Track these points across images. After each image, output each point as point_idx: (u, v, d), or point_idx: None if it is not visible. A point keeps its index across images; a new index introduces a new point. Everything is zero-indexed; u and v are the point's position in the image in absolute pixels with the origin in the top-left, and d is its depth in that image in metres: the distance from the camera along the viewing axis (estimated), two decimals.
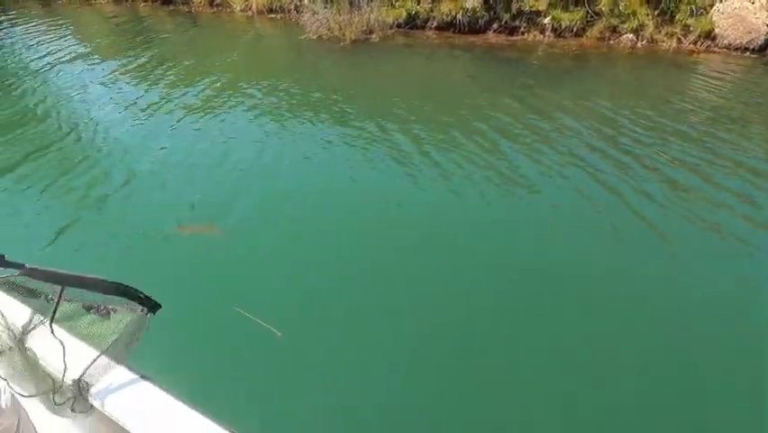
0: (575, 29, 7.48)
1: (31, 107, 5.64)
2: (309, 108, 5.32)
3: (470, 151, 4.19)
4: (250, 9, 10.15)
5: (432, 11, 8.50)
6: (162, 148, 4.47)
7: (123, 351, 1.27)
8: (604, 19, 7.31)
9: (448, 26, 8.42)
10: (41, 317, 1.28)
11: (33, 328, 1.27)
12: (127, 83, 6.39)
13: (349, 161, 4.19)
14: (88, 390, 1.24)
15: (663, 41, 7.02)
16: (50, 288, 1.20)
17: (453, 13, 8.24)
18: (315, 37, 8.10)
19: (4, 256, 1.08)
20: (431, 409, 2.05)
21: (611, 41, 7.26)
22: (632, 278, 2.71)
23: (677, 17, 7.00)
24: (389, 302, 2.58)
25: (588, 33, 7.46)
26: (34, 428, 1.12)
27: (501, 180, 3.73)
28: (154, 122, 5.12)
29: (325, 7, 8.43)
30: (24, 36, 9.23)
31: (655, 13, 7.11)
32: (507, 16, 7.96)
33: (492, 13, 8.08)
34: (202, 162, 4.19)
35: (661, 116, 4.71)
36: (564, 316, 2.48)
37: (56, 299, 1.20)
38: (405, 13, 8.53)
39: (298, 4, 9.63)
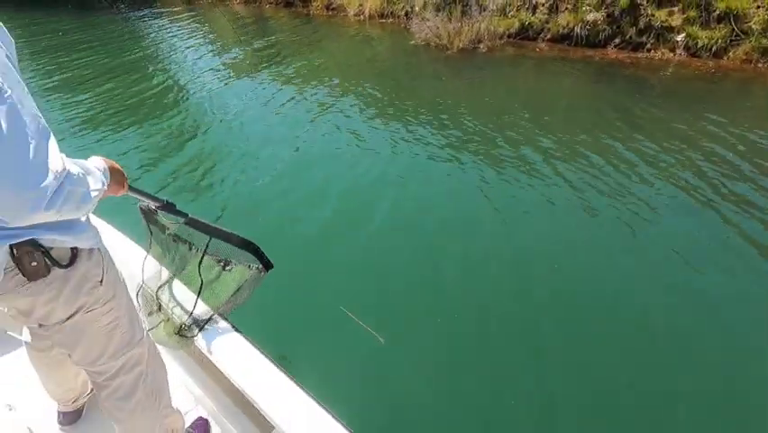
0: (714, 48, 6.65)
1: (158, 86, 6.38)
2: (411, 114, 5.35)
3: (589, 179, 3.91)
4: (362, 13, 10.53)
5: (547, 22, 8.12)
6: (263, 137, 4.78)
7: (238, 301, 1.52)
8: (753, 38, 6.40)
9: (563, 39, 7.98)
10: (184, 263, 1.50)
11: (177, 273, 1.49)
12: (239, 76, 6.95)
13: (453, 174, 4.13)
14: (202, 327, 1.45)
15: None
16: (199, 237, 1.45)
17: (571, 26, 7.78)
18: (422, 43, 8.15)
19: (174, 204, 1.39)
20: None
21: (760, 65, 6.33)
22: None
23: None
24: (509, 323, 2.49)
25: (730, 54, 6.59)
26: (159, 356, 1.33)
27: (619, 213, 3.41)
28: (254, 114, 5.49)
29: (437, 15, 8.45)
30: (164, 28, 10.51)
31: None
32: (632, 31, 7.33)
33: (615, 27, 7.50)
34: (293, 172, 4.41)
35: None
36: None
37: (203, 249, 1.45)
38: (518, 24, 8.25)
39: (409, 10, 9.79)
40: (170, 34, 10.05)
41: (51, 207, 0.76)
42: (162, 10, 12.60)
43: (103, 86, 6.68)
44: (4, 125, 0.72)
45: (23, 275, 0.90)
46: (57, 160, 0.77)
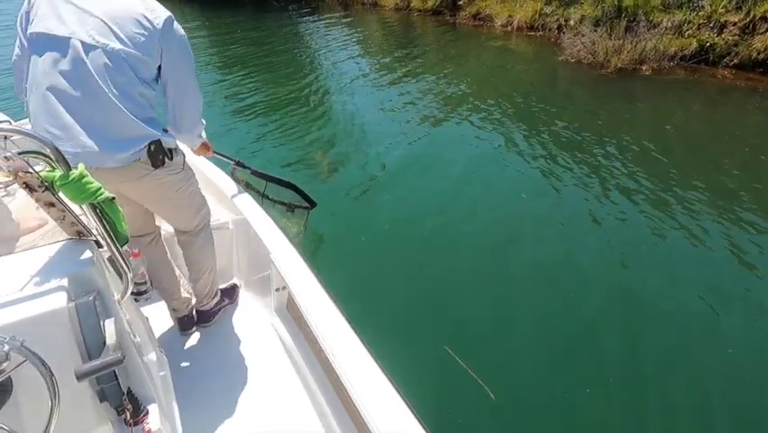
0: None
1: (307, 79, 6.85)
2: (552, 138, 4.87)
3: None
4: (510, 25, 10.09)
5: (737, 45, 6.78)
6: (389, 144, 4.75)
7: (299, 235, 2.75)
8: None
9: (755, 66, 6.59)
10: (255, 203, 2.10)
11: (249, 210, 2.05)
12: (379, 79, 7.11)
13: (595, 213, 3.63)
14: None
15: None
16: (260, 183, 2.60)
17: None
18: (573, 60, 7.46)
19: (242, 161, 2.47)
20: None
21: None
22: None
23: None
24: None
25: None
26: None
27: None
28: (389, 119, 5.51)
29: (595, 30, 7.66)
30: (322, 29, 11.38)
31: None
32: None
33: None
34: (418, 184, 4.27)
35: None
36: None
37: (262, 191, 2.63)
38: (695, 45, 7.05)
39: (563, 23, 9.07)
40: (327, 35, 10.87)
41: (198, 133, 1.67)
42: (324, 14, 13.72)
43: (262, 75, 7.45)
44: (193, 95, 1.50)
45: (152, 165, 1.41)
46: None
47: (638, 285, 2.77)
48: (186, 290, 1.89)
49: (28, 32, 1.27)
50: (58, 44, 1.23)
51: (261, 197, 2.62)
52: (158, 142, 1.37)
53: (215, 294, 1.93)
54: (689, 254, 3.04)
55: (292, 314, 1.81)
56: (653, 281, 2.80)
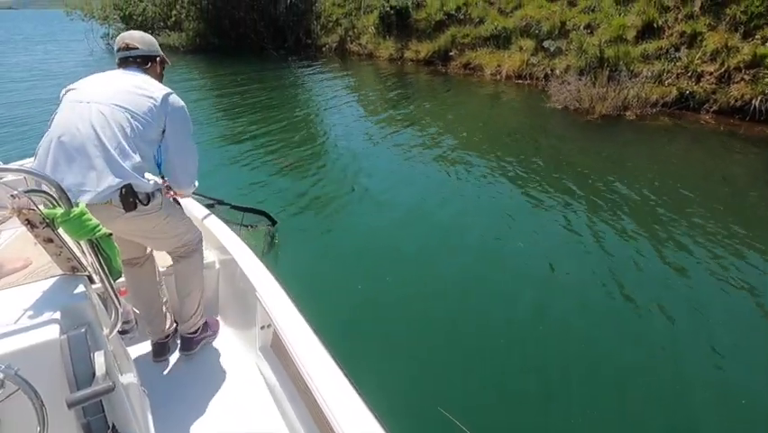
0: None
1: (302, 123, 7.08)
2: (538, 182, 5.01)
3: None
4: (499, 73, 10.59)
5: (714, 92, 7.13)
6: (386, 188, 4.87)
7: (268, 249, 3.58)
8: None
9: (734, 112, 6.90)
10: (240, 241, 2.18)
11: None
12: (373, 122, 7.36)
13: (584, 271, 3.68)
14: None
15: None
16: (237, 215, 3.62)
17: (747, 98, 6.71)
18: (559, 107, 7.79)
19: (222, 199, 3.61)
20: None
21: None
22: None
23: None
24: None
25: None
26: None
27: None
28: (382, 161, 5.67)
29: (579, 79, 8.06)
30: (319, 78, 11.87)
31: None
32: None
33: None
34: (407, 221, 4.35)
35: None
36: None
37: (240, 220, 3.60)
38: (675, 92, 7.41)
39: (549, 72, 9.54)
40: (323, 84, 11.32)
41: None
42: (321, 65, 14.35)
43: (259, 121, 7.70)
44: (191, 154, 1.81)
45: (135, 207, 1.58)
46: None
47: (626, 331, 2.78)
48: (169, 314, 2.01)
49: (61, 99, 1.64)
50: (77, 105, 1.56)
51: (240, 227, 3.50)
52: (128, 186, 1.51)
53: (200, 318, 2.00)
54: (679, 294, 3.07)
55: (277, 352, 1.80)
56: (638, 326, 2.81)
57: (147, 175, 1.60)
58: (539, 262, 3.42)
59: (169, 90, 1.69)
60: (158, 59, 1.84)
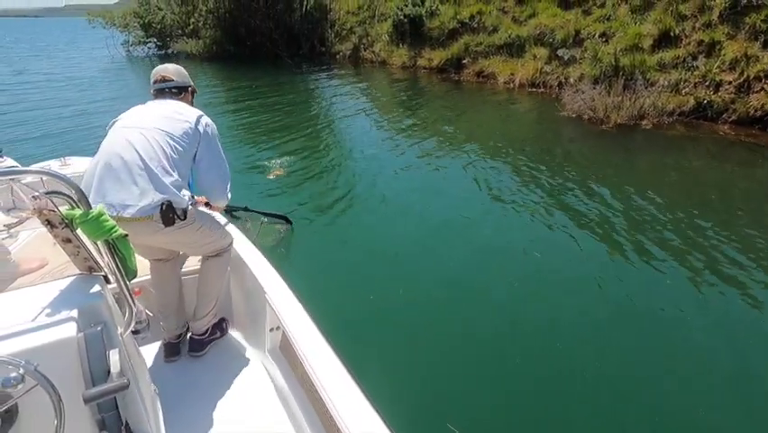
0: None
1: (316, 127, 7.14)
2: (550, 190, 4.97)
3: None
4: (512, 82, 10.56)
5: (733, 102, 7.01)
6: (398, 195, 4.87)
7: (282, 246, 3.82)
8: None
9: (753, 122, 6.77)
10: (251, 244, 2.21)
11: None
12: (387, 129, 7.38)
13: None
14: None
15: None
16: (256, 216, 4.04)
17: (767, 108, 6.58)
18: (573, 116, 7.73)
19: (247, 206, 4.07)
20: None
21: None
22: None
23: None
24: None
25: None
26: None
27: None
28: (401, 174, 5.68)
29: (594, 87, 8.00)
30: (333, 85, 11.98)
31: None
32: None
33: None
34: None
35: None
36: None
37: (260, 225, 3.94)
38: (693, 102, 7.30)
39: (563, 81, 9.49)
40: (336, 91, 11.41)
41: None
42: (335, 72, 14.49)
43: (276, 124, 7.79)
44: (223, 169, 1.94)
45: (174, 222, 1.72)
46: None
47: (640, 345, 2.72)
48: (183, 314, 2.10)
49: (107, 130, 1.81)
50: (122, 130, 1.74)
51: (259, 227, 3.88)
52: (168, 203, 1.65)
53: (213, 318, 2.08)
54: (697, 306, 3.00)
55: (285, 355, 1.80)
56: (660, 339, 2.75)
57: (183, 192, 1.72)
58: (553, 273, 3.39)
59: (201, 112, 1.88)
60: (189, 88, 2.05)
